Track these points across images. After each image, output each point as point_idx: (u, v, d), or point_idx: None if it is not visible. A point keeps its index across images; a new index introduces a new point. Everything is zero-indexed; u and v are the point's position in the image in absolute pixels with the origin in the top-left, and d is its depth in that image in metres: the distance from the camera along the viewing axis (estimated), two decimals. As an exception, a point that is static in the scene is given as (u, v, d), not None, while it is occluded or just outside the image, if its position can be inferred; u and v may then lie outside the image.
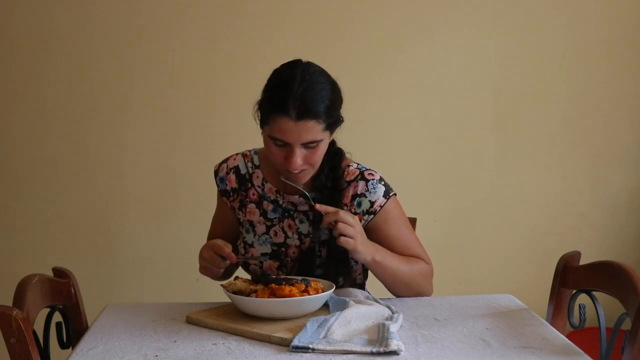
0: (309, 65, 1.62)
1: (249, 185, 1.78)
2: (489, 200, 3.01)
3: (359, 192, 1.69)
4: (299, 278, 1.56)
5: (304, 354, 1.30)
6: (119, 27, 2.85)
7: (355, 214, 1.68)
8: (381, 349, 1.29)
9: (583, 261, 1.63)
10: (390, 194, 1.71)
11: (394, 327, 1.38)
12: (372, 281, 1.84)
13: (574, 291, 1.61)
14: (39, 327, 1.44)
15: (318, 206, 1.59)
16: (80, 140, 2.89)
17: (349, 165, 1.73)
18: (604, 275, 1.50)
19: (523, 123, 3.01)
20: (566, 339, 1.40)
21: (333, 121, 1.62)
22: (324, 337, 1.35)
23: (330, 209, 1.59)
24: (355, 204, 1.69)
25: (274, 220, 1.75)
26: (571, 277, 1.62)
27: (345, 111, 1.69)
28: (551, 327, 1.49)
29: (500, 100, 2.99)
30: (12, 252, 2.90)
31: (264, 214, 1.76)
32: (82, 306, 1.69)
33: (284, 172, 1.65)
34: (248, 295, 1.51)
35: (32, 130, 2.88)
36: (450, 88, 2.96)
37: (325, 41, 2.85)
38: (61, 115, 2.88)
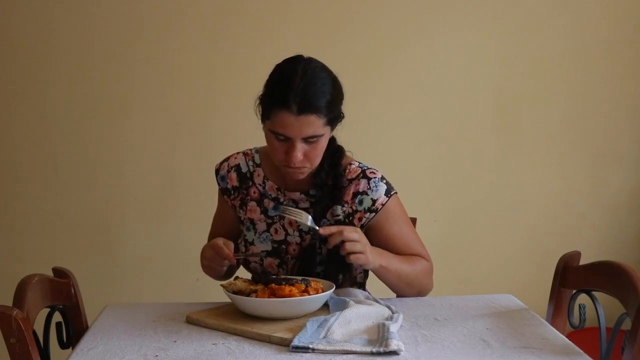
0: (311, 60, 1.62)
1: (250, 183, 1.79)
2: (489, 200, 3.01)
3: (360, 190, 1.70)
4: (299, 278, 1.56)
5: (304, 354, 1.30)
6: (119, 27, 2.85)
7: (356, 211, 1.69)
8: (381, 349, 1.29)
9: (583, 261, 1.63)
10: (392, 193, 1.72)
11: (394, 327, 1.38)
12: (372, 281, 1.84)
13: (574, 291, 1.61)
14: (39, 327, 1.44)
15: (322, 230, 1.58)
16: (80, 140, 2.89)
17: (350, 164, 1.73)
18: (604, 275, 1.50)
19: (523, 123, 3.01)
20: (566, 339, 1.40)
21: (334, 116, 1.62)
22: (324, 337, 1.35)
23: (334, 229, 1.57)
24: (356, 201, 1.70)
25: (275, 217, 1.75)
26: (571, 277, 1.62)
27: (345, 111, 1.69)
28: (551, 327, 1.49)
29: (500, 100, 2.99)
30: (12, 252, 2.90)
31: (264, 211, 1.76)
32: (82, 306, 1.69)
33: (284, 168, 1.65)
34: (248, 295, 1.51)
35: (32, 130, 2.88)
36: (450, 88, 2.96)
37: (325, 41, 2.85)
38: (61, 115, 2.88)
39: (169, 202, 2.93)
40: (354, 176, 1.71)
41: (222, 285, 1.58)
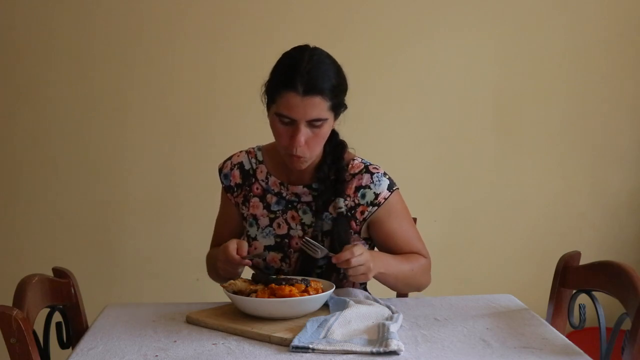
0: (317, 48, 1.68)
1: (253, 180, 1.80)
2: (489, 200, 3.01)
3: (363, 184, 1.71)
4: (299, 278, 1.56)
5: (304, 354, 1.30)
6: (119, 28, 2.85)
7: (358, 205, 1.71)
8: (381, 349, 1.29)
9: (583, 261, 1.63)
10: (394, 188, 1.73)
11: (394, 327, 1.38)
12: (371, 281, 1.84)
13: (574, 291, 1.61)
14: (39, 327, 1.44)
15: (334, 259, 1.56)
16: (80, 140, 2.89)
17: (353, 159, 1.75)
18: (604, 275, 1.50)
19: (523, 123, 3.01)
20: (566, 339, 1.40)
21: (338, 102, 1.65)
22: (324, 337, 1.35)
23: (342, 257, 1.56)
24: (359, 195, 1.71)
25: (277, 212, 1.76)
26: (571, 277, 1.62)
27: (345, 110, 1.70)
28: (551, 327, 1.49)
29: (500, 100, 2.99)
30: (12, 252, 2.90)
31: (267, 206, 1.77)
32: (82, 306, 1.69)
33: (287, 157, 1.66)
34: (248, 295, 1.51)
35: (32, 131, 2.88)
36: (450, 88, 2.96)
37: (325, 41, 2.81)
38: (61, 116, 2.88)
39: (169, 202, 2.93)
40: (357, 171, 1.72)
41: (222, 285, 1.58)
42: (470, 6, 2.94)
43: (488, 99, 2.98)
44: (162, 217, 2.93)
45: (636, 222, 3.08)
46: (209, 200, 2.88)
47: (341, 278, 1.71)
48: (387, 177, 1.73)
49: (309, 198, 1.74)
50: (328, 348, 1.31)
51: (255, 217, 1.78)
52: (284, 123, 1.62)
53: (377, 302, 1.60)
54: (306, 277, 1.58)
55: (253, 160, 1.82)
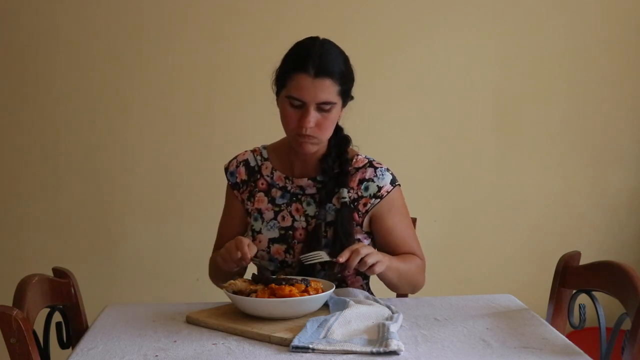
0: (327, 39, 1.73)
1: (258, 176, 1.83)
2: (489, 200, 3.01)
3: (367, 177, 1.75)
4: (299, 278, 1.56)
5: (304, 354, 1.30)
6: (120, 29, 2.85)
7: (361, 197, 1.74)
8: (381, 349, 1.29)
9: (583, 261, 1.63)
10: (397, 184, 1.77)
11: (394, 327, 1.38)
12: (372, 281, 1.84)
13: (574, 291, 1.61)
14: (39, 327, 1.44)
15: (340, 258, 1.57)
16: (80, 140, 2.89)
17: (357, 155, 1.79)
18: (604, 275, 1.50)
19: (523, 123, 3.01)
20: (566, 339, 1.40)
21: (347, 89, 1.69)
22: (324, 337, 1.35)
23: (348, 253, 1.57)
24: (362, 187, 1.75)
25: (282, 205, 1.79)
26: (571, 277, 1.62)
27: (345, 110, 1.73)
28: (551, 327, 1.49)
29: (500, 100, 2.99)
30: (12, 252, 2.90)
31: (272, 200, 1.80)
32: (82, 306, 1.69)
33: (295, 139, 1.69)
34: (248, 295, 1.51)
35: (32, 131, 2.88)
36: (450, 88, 2.96)
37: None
38: (61, 116, 2.88)
39: (169, 202, 2.93)
40: (360, 165, 1.77)
41: (222, 285, 1.58)
42: (470, 6, 2.94)
43: (488, 99, 2.98)
44: (162, 217, 2.93)
45: (636, 222, 3.08)
46: (209, 201, 2.88)
47: (344, 267, 1.71)
48: (390, 172, 1.77)
49: (313, 190, 1.77)
50: (328, 348, 1.31)
51: (260, 211, 1.80)
52: (294, 106, 1.66)
53: (377, 302, 1.60)
54: (306, 277, 1.58)
55: (258, 158, 1.85)
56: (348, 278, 1.79)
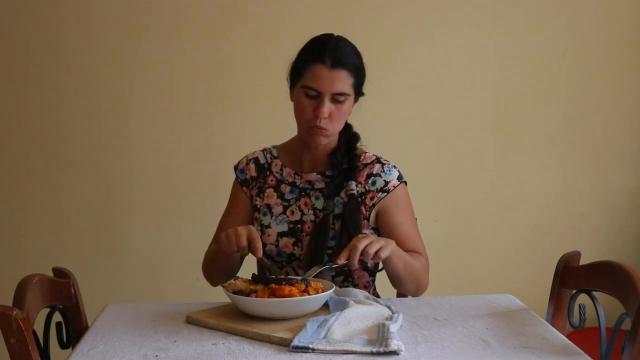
0: (341, 36, 1.78)
1: (268, 172, 1.87)
2: (489, 200, 3.01)
3: (374, 172, 1.79)
4: (299, 278, 1.56)
5: (304, 354, 1.30)
6: (121, 29, 2.85)
7: (369, 191, 1.78)
8: (381, 349, 1.29)
9: (583, 261, 1.63)
10: (403, 180, 1.81)
11: (394, 327, 1.38)
12: (377, 281, 1.84)
13: (574, 291, 1.61)
14: (39, 327, 1.44)
15: (339, 260, 1.57)
16: (80, 140, 2.89)
17: (365, 152, 1.84)
18: (604, 275, 1.50)
19: (523, 123, 3.01)
20: (566, 339, 1.40)
21: (360, 83, 1.75)
22: (324, 337, 1.35)
23: (346, 253, 1.56)
24: (369, 182, 1.79)
25: (291, 200, 1.82)
26: (571, 277, 1.61)
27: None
28: (551, 327, 1.49)
29: (500, 100, 2.99)
30: (12, 252, 2.90)
31: (281, 196, 1.83)
32: (82, 306, 1.69)
33: (308, 131, 1.73)
34: (248, 295, 1.51)
35: (33, 130, 2.88)
36: (450, 88, 2.96)
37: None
38: (62, 115, 2.88)
39: (169, 202, 2.93)
40: (368, 161, 1.81)
41: (222, 285, 1.58)
42: (470, 6, 2.94)
43: (488, 99, 2.98)
44: (162, 217, 2.93)
45: (636, 222, 3.08)
46: (209, 201, 2.89)
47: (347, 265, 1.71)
48: (397, 169, 1.81)
49: (321, 185, 1.81)
50: (328, 348, 1.31)
51: (269, 207, 1.83)
52: (310, 96, 1.70)
53: (377, 302, 1.60)
54: (306, 277, 1.58)
55: (268, 156, 1.89)
56: (355, 273, 1.80)
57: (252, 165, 1.88)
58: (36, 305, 1.44)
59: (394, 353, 1.29)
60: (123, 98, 2.88)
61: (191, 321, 1.53)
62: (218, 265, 1.80)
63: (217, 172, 2.89)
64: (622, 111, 3.03)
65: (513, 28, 2.96)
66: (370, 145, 1.88)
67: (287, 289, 1.48)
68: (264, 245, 1.80)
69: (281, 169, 1.85)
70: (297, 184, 1.82)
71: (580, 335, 1.81)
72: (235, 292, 1.53)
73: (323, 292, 1.53)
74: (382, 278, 1.80)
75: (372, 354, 1.29)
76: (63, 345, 1.61)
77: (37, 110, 2.88)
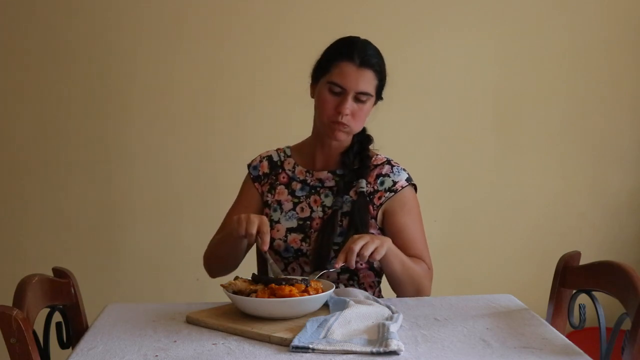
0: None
1: (280, 170, 1.90)
2: (489, 200, 3.01)
3: (383, 173, 1.82)
4: (299, 278, 1.56)
5: (304, 354, 1.30)
6: (121, 29, 2.86)
7: (377, 191, 1.80)
8: (381, 349, 1.29)
9: (583, 261, 1.63)
10: (412, 182, 1.83)
11: (394, 327, 1.38)
12: (383, 280, 1.84)
13: (574, 291, 1.61)
14: (39, 327, 1.43)
15: (336, 264, 1.57)
16: (80, 140, 2.89)
17: (377, 154, 1.87)
18: (604, 275, 1.50)
19: (523, 123, 3.01)
20: (566, 339, 1.39)
21: (381, 86, 1.80)
22: (324, 337, 1.35)
23: (342, 256, 1.57)
24: (378, 182, 1.81)
25: (301, 197, 1.84)
26: (571, 277, 1.61)
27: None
28: (551, 327, 1.49)
29: (500, 100, 2.99)
30: (12, 252, 2.90)
31: (292, 192, 1.86)
32: (82, 306, 1.69)
33: (328, 126, 1.75)
34: (248, 295, 1.51)
35: (33, 131, 2.88)
36: (450, 88, 2.96)
37: (325, 41, 2.84)
38: (62, 115, 2.88)
39: (169, 202, 2.93)
40: (379, 163, 1.84)
41: (222, 285, 1.58)
42: (470, 6, 2.94)
43: (488, 99, 2.98)
44: (162, 217, 2.93)
45: (636, 222, 3.08)
46: (209, 201, 2.89)
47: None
48: (407, 172, 1.84)
49: (331, 183, 1.83)
50: (328, 348, 1.30)
51: (279, 203, 1.86)
52: (334, 93, 1.74)
53: (377, 302, 1.60)
54: (306, 277, 1.58)
55: (281, 154, 1.93)
56: (360, 272, 1.81)
57: (265, 163, 1.92)
58: (36, 305, 1.44)
59: (394, 353, 1.29)
60: (123, 98, 2.88)
61: (191, 321, 1.53)
62: (222, 252, 1.81)
63: (217, 172, 2.90)
64: (622, 111, 3.03)
65: (513, 28, 2.96)
66: (370, 145, 1.89)
67: (287, 289, 1.48)
68: (273, 240, 1.82)
69: (293, 167, 1.89)
70: (308, 181, 1.85)
71: (580, 335, 1.80)
72: (235, 292, 1.53)
73: (323, 292, 1.53)
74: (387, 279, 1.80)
75: (372, 354, 1.29)
76: (63, 345, 1.61)
77: (37, 110, 2.88)
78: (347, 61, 1.73)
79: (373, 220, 1.78)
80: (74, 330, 1.65)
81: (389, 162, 1.84)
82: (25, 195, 2.89)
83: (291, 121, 2.83)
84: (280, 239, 1.82)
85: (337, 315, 1.43)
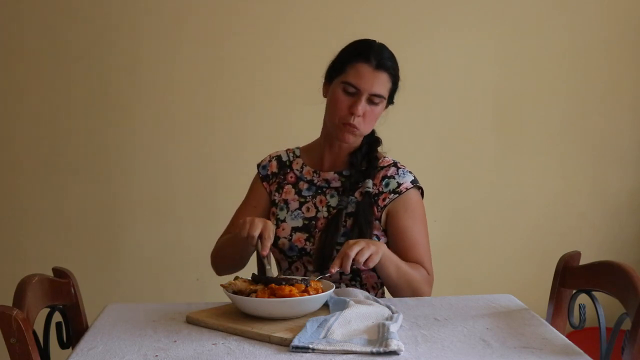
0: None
1: (288, 170, 1.92)
2: (489, 200, 3.01)
3: (389, 175, 1.82)
4: (299, 278, 1.55)
5: (304, 354, 1.30)
6: (121, 29, 2.86)
7: (382, 192, 1.81)
8: (381, 349, 1.29)
9: (583, 261, 1.63)
10: (417, 184, 1.83)
11: (394, 327, 1.38)
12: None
13: (574, 291, 1.61)
14: (39, 327, 1.43)
15: (332, 269, 1.58)
16: (80, 140, 2.89)
17: (384, 157, 1.88)
18: (604, 275, 1.50)
19: (523, 123, 3.01)
20: (566, 339, 1.39)
21: (394, 90, 1.82)
22: (324, 337, 1.35)
23: (337, 261, 1.57)
24: (383, 184, 1.82)
25: (308, 197, 1.86)
26: (571, 277, 1.61)
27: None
28: (551, 327, 1.49)
29: (500, 100, 2.99)
30: (12, 252, 2.90)
31: (298, 192, 1.87)
32: (82, 306, 1.69)
33: (339, 127, 1.76)
34: (248, 295, 1.51)
35: (33, 131, 2.88)
36: (450, 88, 2.96)
37: (325, 41, 2.82)
38: (62, 116, 2.88)
39: (169, 203, 2.93)
40: (385, 164, 1.85)
41: (222, 285, 1.58)
42: (470, 6, 2.94)
43: (488, 99, 2.98)
44: (162, 218, 2.93)
45: (636, 222, 3.08)
46: (209, 201, 2.89)
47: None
48: (413, 175, 1.85)
49: (337, 184, 1.85)
50: (328, 348, 1.30)
51: (286, 202, 1.87)
52: (348, 93, 1.75)
53: (377, 302, 1.60)
54: (306, 277, 1.58)
55: (290, 154, 1.95)
56: (363, 273, 1.81)
57: (274, 162, 1.94)
58: (36, 305, 1.44)
59: (394, 353, 1.29)
60: (123, 98, 2.88)
61: (191, 321, 1.53)
62: (228, 252, 1.84)
63: (217, 172, 2.90)
64: (622, 111, 3.03)
65: (513, 28, 2.96)
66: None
67: (287, 289, 1.48)
68: (278, 238, 1.84)
69: (301, 167, 1.90)
70: (315, 181, 1.87)
71: (580, 335, 1.80)
72: (235, 292, 1.53)
73: (323, 292, 1.53)
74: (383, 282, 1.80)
75: (372, 354, 1.29)
76: (63, 345, 1.61)
77: (37, 110, 2.88)
78: (364, 62, 1.74)
79: (377, 221, 1.79)
80: (74, 330, 1.65)
81: (395, 164, 1.85)
82: (25, 195, 2.89)
83: (291, 121, 2.84)
84: (285, 238, 1.84)
85: (337, 315, 1.43)
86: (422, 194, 1.86)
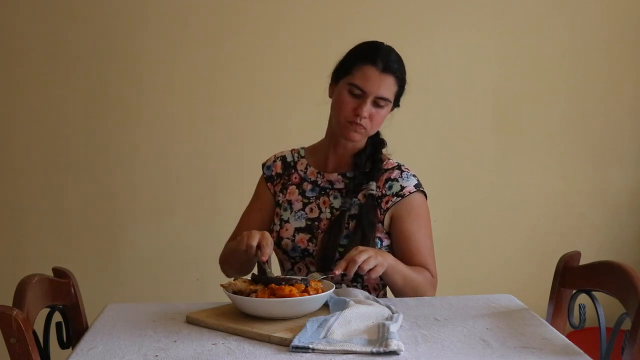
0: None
1: (292, 170, 1.92)
2: (489, 200, 3.01)
3: (392, 178, 1.82)
4: (299, 278, 1.56)
5: (304, 354, 1.30)
6: (121, 29, 2.85)
7: (385, 195, 1.80)
8: (381, 349, 1.29)
9: (583, 261, 1.63)
10: (421, 189, 1.83)
11: (394, 327, 1.38)
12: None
13: (574, 291, 1.61)
14: (39, 327, 1.43)
15: (336, 270, 1.59)
16: (80, 140, 2.89)
17: (389, 159, 1.88)
18: (604, 275, 1.50)
19: (523, 123, 3.01)
20: (566, 339, 1.39)
21: (400, 93, 1.83)
22: (324, 337, 1.35)
23: (344, 263, 1.59)
24: (387, 186, 1.81)
25: (311, 198, 1.86)
26: (571, 277, 1.61)
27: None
28: (551, 327, 1.49)
29: (500, 100, 2.99)
30: (12, 252, 2.90)
31: (302, 193, 1.87)
32: (82, 306, 1.69)
33: (345, 127, 1.76)
34: (248, 295, 1.51)
35: (33, 131, 2.88)
36: (450, 88, 2.96)
37: (325, 41, 2.85)
38: (62, 115, 2.88)
39: (170, 202, 2.93)
40: (389, 167, 1.85)
41: (222, 285, 1.58)
42: (470, 6, 2.94)
43: (488, 99, 2.98)
44: (162, 218, 2.93)
45: (636, 222, 3.08)
46: (209, 201, 2.89)
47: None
48: (417, 178, 1.84)
49: (341, 185, 1.84)
50: (328, 348, 1.30)
51: (290, 202, 1.88)
52: (353, 95, 1.75)
53: (377, 302, 1.60)
54: (306, 277, 1.58)
55: (295, 155, 1.95)
56: (365, 275, 1.79)
57: (278, 163, 1.94)
58: (36, 305, 1.44)
59: (394, 353, 1.29)
60: (123, 98, 2.88)
61: (191, 321, 1.53)
62: (233, 259, 1.85)
63: (217, 172, 2.90)
64: (622, 111, 3.03)
65: (513, 28, 2.96)
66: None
67: (287, 289, 1.48)
68: (281, 238, 1.84)
69: (306, 168, 1.91)
70: (319, 182, 1.87)
71: (580, 335, 1.80)
72: (235, 292, 1.53)
73: (323, 292, 1.53)
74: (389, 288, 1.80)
75: (372, 354, 1.29)
76: (63, 345, 1.61)
77: (37, 110, 2.88)
78: (370, 65, 1.74)
79: (380, 224, 1.79)
80: (74, 330, 1.66)
81: (399, 167, 1.85)
82: (25, 195, 2.89)
83: (291, 121, 2.84)
84: (288, 238, 1.84)
85: (337, 315, 1.43)
86: (425, 196, 1.86)
